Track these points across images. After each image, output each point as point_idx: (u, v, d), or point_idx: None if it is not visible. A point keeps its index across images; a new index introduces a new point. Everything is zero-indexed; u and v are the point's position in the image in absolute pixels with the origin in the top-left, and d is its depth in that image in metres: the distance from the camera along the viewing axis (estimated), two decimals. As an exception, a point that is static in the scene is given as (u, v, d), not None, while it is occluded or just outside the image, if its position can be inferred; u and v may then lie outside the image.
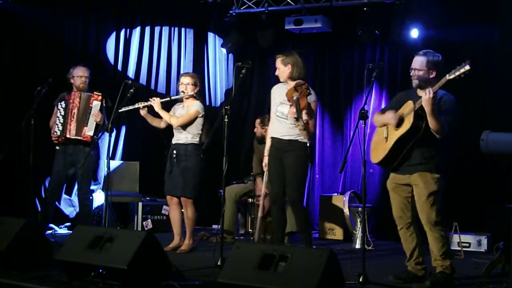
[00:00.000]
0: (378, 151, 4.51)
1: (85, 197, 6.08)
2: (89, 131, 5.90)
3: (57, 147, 5.98)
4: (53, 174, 6.01)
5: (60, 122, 5.92)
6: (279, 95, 5.21)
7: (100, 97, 5.97)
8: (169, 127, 5.90)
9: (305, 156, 5.11)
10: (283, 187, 5.15)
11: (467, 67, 4.06)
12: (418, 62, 4.40)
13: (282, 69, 5.18)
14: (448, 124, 4.27)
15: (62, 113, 5.93)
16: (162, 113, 5.76)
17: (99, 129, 5.90)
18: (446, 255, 4.36)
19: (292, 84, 5.09)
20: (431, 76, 4.37)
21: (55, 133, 5.93)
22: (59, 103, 5.97)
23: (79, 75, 6.01)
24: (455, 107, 4.36)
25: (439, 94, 4.33)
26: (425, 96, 4.15)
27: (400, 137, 4.34)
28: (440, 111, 4.26)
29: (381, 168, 7.50)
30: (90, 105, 5.96)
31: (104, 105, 5.98)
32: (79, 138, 5.89)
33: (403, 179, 4.45)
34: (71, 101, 5.94)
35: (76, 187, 6.69)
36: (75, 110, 5.92)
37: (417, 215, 4.46)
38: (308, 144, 5.14)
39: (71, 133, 5.89)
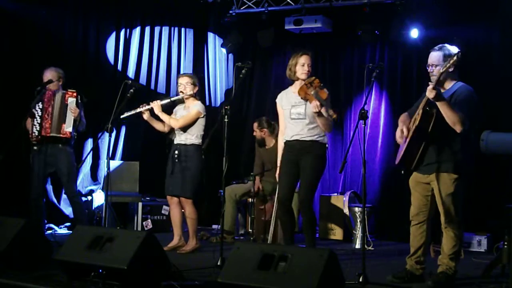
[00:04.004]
0: (400, 152, 4.49)
1: (74, 195, 6.07)
2: (67, 127, 5.89)
3: (35, 147, 5.93)
4: (33, 175, 5.93)
5: (37, 122, 5.90)
6: (288, 99, 5.17)
7: (74, 94, 5.94)
8: (173, 130, 5.86)
9: (323, 157, 5.12)
10: (293, 189, 5.14)
11: (457, 55, 4.08)
12: (435, 57, 4.32)
13: (309, 67, 5.14)
14: (467, 116, 4.14)
15: (40, 113, 5.91)
16: (162, 115, 5.74)
17: (76, 125, 5.92)
18: (454, 256, 4.35)
19: (298, 83, 5.09)
20: (449, 70, 4.27)
21: (33, 133, 5.91)
22: (36, 104, 5.92)
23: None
24: (471, 98, 4.24)
25: (454, 86, 4.30)
26: (428, 92, 4.12)
27: (411, 137, 4.31)
28: (455, 103, 4.18)
29: (382, 168, 7.60)
30: (66, 102, 5.94)
31: (79, 101, 5.94)
32: (58, 135, 5.88)
33: (423, 178, 4.43)
34: (46, 100, 5.94)
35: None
36: (50, 109, 5.91)
37: (434, 213, 4.45)
38: (327, 146, 5.15)
39: (47, 132, 5.87)
